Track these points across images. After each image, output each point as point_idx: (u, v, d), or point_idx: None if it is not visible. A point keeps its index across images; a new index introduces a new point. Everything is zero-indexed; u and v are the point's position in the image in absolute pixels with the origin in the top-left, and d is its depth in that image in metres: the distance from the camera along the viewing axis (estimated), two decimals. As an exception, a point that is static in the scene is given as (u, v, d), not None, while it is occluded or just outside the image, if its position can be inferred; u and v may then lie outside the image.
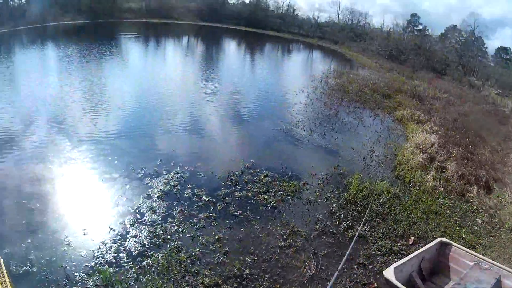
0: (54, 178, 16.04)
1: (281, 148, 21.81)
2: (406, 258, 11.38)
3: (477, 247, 14.98)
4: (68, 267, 11.14)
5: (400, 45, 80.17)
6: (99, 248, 12.02)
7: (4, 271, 10.31)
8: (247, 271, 11.81)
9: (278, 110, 29.39)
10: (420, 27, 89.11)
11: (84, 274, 11.02)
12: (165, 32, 78.59)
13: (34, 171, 16.26)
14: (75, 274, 11.01)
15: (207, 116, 26.07)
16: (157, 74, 38.65)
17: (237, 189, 16.38)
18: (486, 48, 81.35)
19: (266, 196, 16.03)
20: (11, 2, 76.21)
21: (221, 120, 25.55)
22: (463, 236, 15.61)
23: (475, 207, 18.36)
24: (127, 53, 50.14)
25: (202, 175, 17.29)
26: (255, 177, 17.61)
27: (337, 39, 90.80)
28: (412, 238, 14.72)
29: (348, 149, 22.64)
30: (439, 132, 27.32)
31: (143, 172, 16.89)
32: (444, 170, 21.34)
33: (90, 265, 11.36)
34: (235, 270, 11.68)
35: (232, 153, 20.23)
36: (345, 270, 12.69)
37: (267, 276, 11.80)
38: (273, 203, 15.54)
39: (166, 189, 15.73)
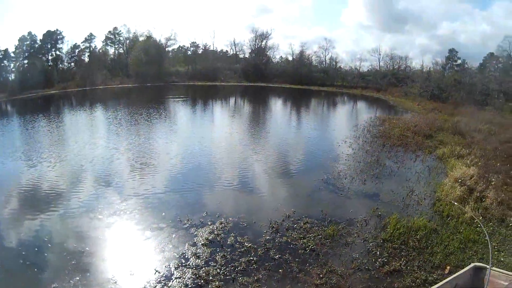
0: (103, 226, 17.68)
1: (322, 196, 22.27)
2: (436, 286, 11.28)
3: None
4: (113, 304, 12.13)
5: (441, 83, 78.70)
6: (144, 287, 13.02)
7: None
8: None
9: (320, 162, 29.85)
10: (459, 61, 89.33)
11: (128, 311, 12.02)
12: (212, 93, 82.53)
13: (84, 220, 18.07)
14: (120, 310, 12.02)
15: (252, 171, 27.15)
16: (205, 135, 40.45)
17: (277, 235, 16.97)
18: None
19: (305, 240, 16.48)
20: (60, 66, 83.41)
21: (265, 174, 26.40)
22: (502, 259, 15.16)
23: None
24: (175, 115, 53.44)
25: (245, 224, 18.09)
26: (296, 224, 18.15)
27: (380, 86, 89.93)
28: (448, 267, 14.48)
29: (388, 192, 22.64)
30: (479, 163, 26.65)
31: (189, 223, 17.99)
32: (483, 200, 20.77)
33: (135, 302, 12.32)
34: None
35: (274, 203, 20.92)
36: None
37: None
38: (312, 246, 15.96)
39: (210, 237, 16.64)
